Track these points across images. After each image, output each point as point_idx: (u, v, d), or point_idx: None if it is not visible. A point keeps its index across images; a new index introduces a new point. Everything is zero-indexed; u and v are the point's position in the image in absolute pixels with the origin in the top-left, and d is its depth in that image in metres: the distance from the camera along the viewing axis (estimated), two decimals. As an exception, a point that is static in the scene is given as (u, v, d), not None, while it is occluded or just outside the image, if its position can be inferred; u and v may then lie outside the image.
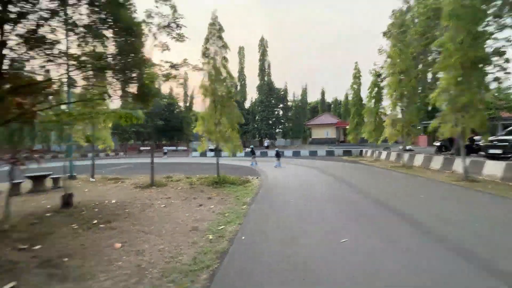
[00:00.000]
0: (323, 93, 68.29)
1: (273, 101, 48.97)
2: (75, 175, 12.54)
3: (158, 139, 53.79)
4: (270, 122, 48.85)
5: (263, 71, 53.00)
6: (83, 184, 11.05)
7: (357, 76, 29.10)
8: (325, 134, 46.79)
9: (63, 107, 7.79)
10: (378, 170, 15.35)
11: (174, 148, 48.80)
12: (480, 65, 10.53)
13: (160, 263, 3.75)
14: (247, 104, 55.59)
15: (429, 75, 21.08)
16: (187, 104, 56.30)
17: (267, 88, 49.03)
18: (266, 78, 51.41)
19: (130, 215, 6.14)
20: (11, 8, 4.49)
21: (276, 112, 49.83)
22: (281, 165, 17.85)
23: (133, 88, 6.13)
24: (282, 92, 50.83)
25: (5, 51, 4.76)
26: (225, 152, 12.59)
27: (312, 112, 65.57)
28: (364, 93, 25.29)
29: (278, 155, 18.89)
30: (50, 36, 4.96)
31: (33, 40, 4.78)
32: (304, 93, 60.08)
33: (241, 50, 56.07)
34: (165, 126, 48.23)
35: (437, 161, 14.55)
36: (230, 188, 9.66)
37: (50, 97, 5.98)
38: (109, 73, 5.73)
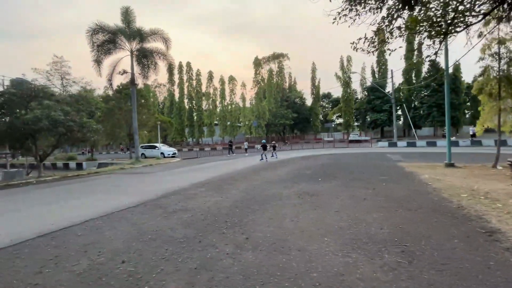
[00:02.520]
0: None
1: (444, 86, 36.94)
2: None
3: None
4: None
5: (411, 52, 42.28)
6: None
7: None
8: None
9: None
10: None
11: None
12: None
13: None
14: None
15: None
16: (314, 96, 55.16)
17: (433, 70, 37.99)
18: (418, 59, 40.28)
19: None
20: None
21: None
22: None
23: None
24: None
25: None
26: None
27: None
28: None
29: (265, 147, 17.97)
30: None
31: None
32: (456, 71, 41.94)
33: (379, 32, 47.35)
34: (296, 119, 49.49)
35: None
36: None
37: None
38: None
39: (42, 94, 11.51)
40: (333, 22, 8.48)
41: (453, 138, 29.12)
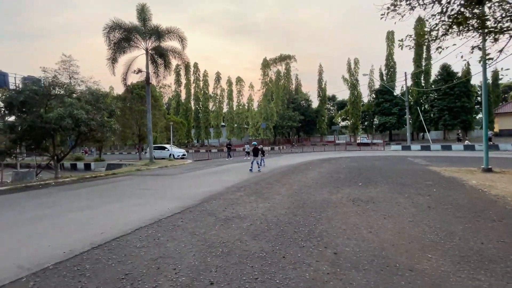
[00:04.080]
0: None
1: (456, 89, 36.51)
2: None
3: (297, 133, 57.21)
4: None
5: (420, 55, 42.44)
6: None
7: None
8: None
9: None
10: None
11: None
12: None
13: None
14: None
15: None
16: (320, 98, 54.92)
17: (444, 73, 37.55)
18: (428, 63, 40.34)
19: None
20: None
21: (457, 101, 36.91)
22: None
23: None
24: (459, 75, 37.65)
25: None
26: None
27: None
28: None
29: (256, 153, 13.19)
30: None
31: None
32: (467, 74, 41.76)
33: (389, 35, 47.74)
34: (302, 121, 49.39)
35: None
36: None
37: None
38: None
39: (64, 92, 11.03)
40: (381, 18, 8.07)
41: (467, 142, 28.62)
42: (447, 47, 7.74)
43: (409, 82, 49.48)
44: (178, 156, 27.01)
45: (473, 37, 7.82)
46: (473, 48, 7.26)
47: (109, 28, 16.82)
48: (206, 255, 3.58)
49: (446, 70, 37.78)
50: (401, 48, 8.25)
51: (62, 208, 6.59)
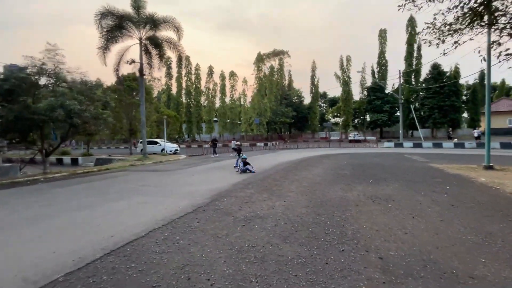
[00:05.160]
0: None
1: (446, 88, 37.26)
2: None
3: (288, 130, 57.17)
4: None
5: (411, 54, 43.24)
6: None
7: None
8: (508, 122, 39.74)
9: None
10: None
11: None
12: None
13: None
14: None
15: None
16: (312, 95, 54.96)
17: (435, 72, 38.28)
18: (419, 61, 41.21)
19: None
20: None
21: (446, 100, 37.67)
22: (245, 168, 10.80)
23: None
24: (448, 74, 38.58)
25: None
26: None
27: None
28: None
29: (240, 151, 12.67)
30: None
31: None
32: (456, 73, 42.79)
33: (381, 33, 48.29)
34: (294, 117, 49.31)
35: None
36: None
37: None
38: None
39: (54, 80, 10.14)
40: (398, 9, 7.80)
41: (456, 140, 29.30)
42: (464, 42, 7.59)
43: (400, 80, 50.37)
44: (171, 151, 26.23)
45: (482, 33, 7.71)
46: (493, 42, 7.12)
47: (101, 14, 15.81)
48: (238, 262, 3.20)
49: (436, 69, 38.52)
50: (417, 42, 8.01)
51: (59, 207, 5.99)
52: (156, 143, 27.44)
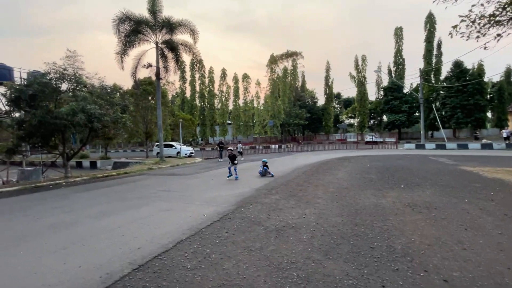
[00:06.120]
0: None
1: (469, 86, 35.57)
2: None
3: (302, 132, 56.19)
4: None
5: (430, 51, 41.70)
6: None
7: None
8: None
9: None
10: None
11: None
12: None
13: None
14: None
15: None
16: (326, 96, 54.03)
17: (457, 70, 36.63)
18: (439, 59, 39.71)
19: None
20: None
21: (470, 99, 35.94)
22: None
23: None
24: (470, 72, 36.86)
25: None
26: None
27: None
28: None
29: (234, 158, 10.29)
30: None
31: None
32: (480, 70, 40.56)
33: (397, 31, 46.99)
34: (308, 119, 48.70)
35: None
36: None
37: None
38: None
39: (75, 85, 10.24)
40: (434, 1, 7.27)
41: (484, 141, 27.67)
42: (508, 34, 6.96)
43: (419, 79, 48.60)
44: (186, 154, 26.29)
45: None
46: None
47: (119, 20, 16.01)
48: (281, 282, 2.84)
49: (458, 67, 36.84)
50: (451, 37, 7.45)
51: (81, 214, 5.85)
52: (171, 146, 27.60)
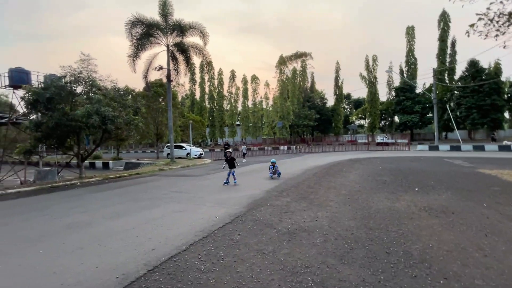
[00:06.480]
0: None
1: (485, 86, 34.46)
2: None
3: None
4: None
5: (444, 51, 40.69)
6: None
7: None
8: None
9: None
10: None
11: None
12: None
13: None
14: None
15: None
16: (336, 96, 53.25)
17: (472, 69, 35.58)
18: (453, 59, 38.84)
19: None
20: None
21: (486, 99, 34.78)
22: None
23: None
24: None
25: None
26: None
27: None
28: None
29: (232, 162, 9.40)
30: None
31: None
32: (497, 70, 38.81)
33: (409, 31, 46.11)
34: (317, 120, 48.25)
35: None
36: None
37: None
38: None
39: (90, 88, 10.55)
40: (450, 0, 7.10)
41: (506, 142, 26.65)
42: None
43: (432, 79, 47.49)
44: (196, 155, 26.50)
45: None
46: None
47: (131, 23, 16.35)
48: (295, 287, 2.80)
49: (474, 66, 35.77)
50: (468, 36, 7.24)
51: (96, 215, 5.98)
52: (181, 147, 27.89)
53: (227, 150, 9.80)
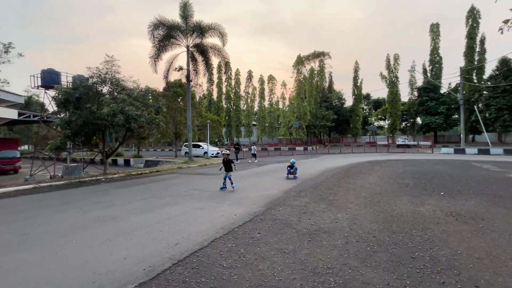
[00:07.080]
0: None
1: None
2: None
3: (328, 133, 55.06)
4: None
5: (472, 48, 38.62)
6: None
7: None
8: None
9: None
10: None
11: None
12: None
13: None
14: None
15: None
16: (355, 97, 51.85)
17: (504, 68, 33.50)
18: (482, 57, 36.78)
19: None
20: None
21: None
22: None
23: None
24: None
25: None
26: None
27: None
28: None
29: (229, 165, 8.49)
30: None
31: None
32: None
33: (433, 28, 44.19)
34: (335, 121, 47.48)
35: None
36: None
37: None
38: None
39: (115, 87, 11.10)
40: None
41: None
42: None
43: (458, 79, 45.11)
44: (212, 154, 26.91)
45: None
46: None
47: (154, 25, 16.89)
48: (318, 287, 2.80)
49: (506, 65, 33.65)
50: (502, 33, 6.86)
51: (121, 209, 6.26)
52: (199, 146, 28.42)
53: (223, 152, 9.08)
